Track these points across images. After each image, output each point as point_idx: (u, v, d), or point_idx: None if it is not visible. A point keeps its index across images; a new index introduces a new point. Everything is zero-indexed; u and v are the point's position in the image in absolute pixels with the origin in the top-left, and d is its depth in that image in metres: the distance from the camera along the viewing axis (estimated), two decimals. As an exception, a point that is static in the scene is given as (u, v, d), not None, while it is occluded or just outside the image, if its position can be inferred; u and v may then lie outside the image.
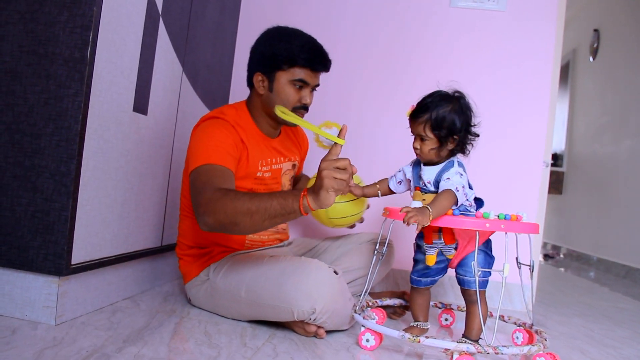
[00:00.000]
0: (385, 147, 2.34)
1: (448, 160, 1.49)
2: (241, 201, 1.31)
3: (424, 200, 1.48)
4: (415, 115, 1.49)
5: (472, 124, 1.49)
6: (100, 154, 1.44)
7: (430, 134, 1.46)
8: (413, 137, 1.51)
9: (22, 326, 1.29)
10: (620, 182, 4.22)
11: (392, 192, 1.62)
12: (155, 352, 1.23)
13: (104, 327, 1.37)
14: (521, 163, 2.29)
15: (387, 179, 1.63)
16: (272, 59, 1.60)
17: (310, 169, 2.10)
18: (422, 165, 1.52)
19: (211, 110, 2.20)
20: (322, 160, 1.28)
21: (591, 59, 5.01)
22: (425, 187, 1.50)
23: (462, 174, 1.45)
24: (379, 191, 1.62)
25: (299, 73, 1.60)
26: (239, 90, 2.42)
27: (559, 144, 5.64)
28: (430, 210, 1.34)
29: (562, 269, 4.32)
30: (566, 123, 5.56)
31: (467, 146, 1.50)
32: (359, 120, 2.36)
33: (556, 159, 5.61)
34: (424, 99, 1.49)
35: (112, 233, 1.54)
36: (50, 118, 1.35)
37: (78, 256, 1.38)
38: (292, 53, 1.58)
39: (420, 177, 1.52)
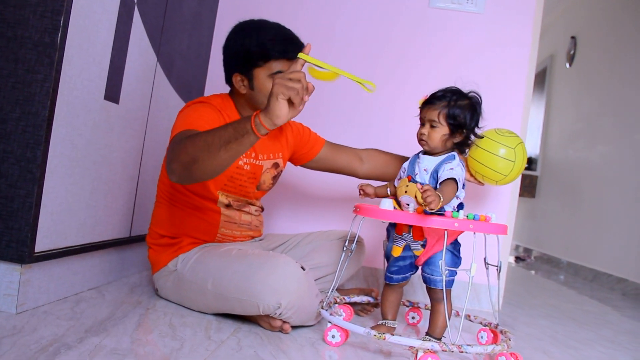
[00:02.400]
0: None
1: (450, 153, 1.53)
2: (199, 136, 1.30)
3: (407, 188, 1.51)
4: (431, 102, 1.53)
5: (479, 126, 1.56)
6: (69, 141, 1.42)
7: (443, 122, 1.51)
8: (420, 125, 1.56)
9: (-19, 314, 1.27)
10: (592, 188, 4.29)
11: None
12: (117, 342, 1.22)
13: (66, 316, 1.35)
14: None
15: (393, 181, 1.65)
16: (246, 58, 1.59)
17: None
18: (420, 155, 1.56)
19: (185, 101, 2.19)
20: (276, 74, 1.24)
21: (567, 65, 5.08)
22: (417, 177, 1.53)
23: (462, 168, 1.50)
24: (388, 189, 1.64)
25: (276, 66, 1.59)
26: (215, 82, 2.40)
27: (533, 149, 5.72)
28: (442, 199, 1.36)
29: (532, 272, 4.38)
30: (541, 128, 5.63)
31: (468, 145, 1.58)
32: (338, 121, 2.36)
33: (530, 163, 5.69)
34: (442, 90, 1.56)
35: (78, 222, 1.52)
36: (17, 103, 1.32)
37: (42, 244, 1.36)
38: (264, 48, 1.57)
39: (415, 167, 1.55)
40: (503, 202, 2.30)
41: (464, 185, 1.53)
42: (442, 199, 1.36)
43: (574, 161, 4.72)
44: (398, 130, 2.30)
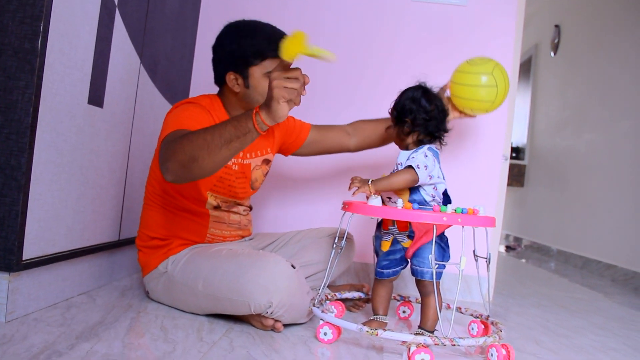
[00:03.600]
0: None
1: (420, 146, 1.56)
2: (196, 134, 1.31)
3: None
4: None
5: (430, 112, 1.56)
6: (53, 148, 1.41)
7: (390, 115, 1.62)
8: None
9: (-30, 324, 1.26)
10: (580, 175, 4.32)
11: None
12: (109, 347, 1.21)
13: (56, 323, 1.35)
14: (481, 157, 2.32)
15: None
16: (241, 58, 1.60)
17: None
18: (400, 151, 1.61)
19: (171, 102, 2.18)
20: (272, 71, 1.26)
21: (552, 54, 5.11)
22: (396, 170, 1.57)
23: (427, 156, 1.51)
24: None
25: (272, 64, 1.60)
26: (199, 83, 2.39)
27: (520, 138, 5.75)
28: (369, 182, 1.49)
29: (523, 260, 4.41)
30: (528, 117, 5.66)
31: (431, 133, 1.57)
32: (326, 117, 2.36)
33: (518, 152, 5.72)
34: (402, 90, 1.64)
35: (66, 227, 1.51)
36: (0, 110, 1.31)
37: (30, 251, 1.35)
38: (260, 48, 1.58)
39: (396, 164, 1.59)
40: (491, 193, 2.31)
41: (443, 177, 1.54)
42: (369, 183, 1.48)
43: (562, 149, 4.75)
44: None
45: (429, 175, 1.48)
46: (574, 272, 3.85)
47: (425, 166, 1.47)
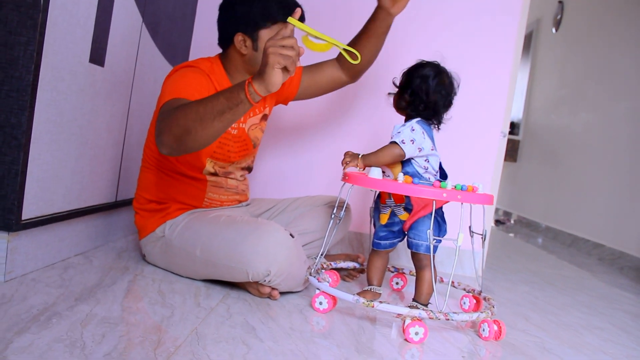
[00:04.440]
0: (362, 121, 2.34)
1: (410, 119, 1.56)
2: (189, 107, 1.30)
3: None
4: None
5: (431, 94, 1.54)
6: (54, 106, 1.39)
7: (397, 84, 1.61)
8: None
9: (-32, 281, 1.26)
10: (574, 154, 4.34)
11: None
12: (108, 310, 1.22)
13: (55, 284, 1.35)
14: (480, 132, 2.32)
15: None
16: (252, 20, 1.58)
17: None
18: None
19: (172, 62, 2.15)
20: (268, 40, 1.23)
21: (554, 30, 5.07)
22: None
23: (414, 129, 1.51)
24: None
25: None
26: (200, 43, 2.35)
27: (516, 113, 5.74)
28: (359, 156, 1.52)
29: (511, 235, 4.47)
30: (525, 92, 5.65)
31: (425, 113, 1.55)
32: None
33: (513, 127, 5.72)
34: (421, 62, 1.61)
35: (65, 188, 1.50)
36: (0, 66, 1.28)
37: (29, 211, 1.34)
38: (272, 11, 1.58)
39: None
40: (487, 169, 2.31)
41: (434, 148, 1.55)
42: (359, 158, 1.51)
43: (557, 127, 4.76)
44: (385, 99, 2.29)
45: (418, 148, 1.49)
46: (562, 249, 3.91)
47: (411, 140, 1.48)
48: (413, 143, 1.48)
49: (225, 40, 1.66)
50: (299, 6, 1.60)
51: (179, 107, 1.32)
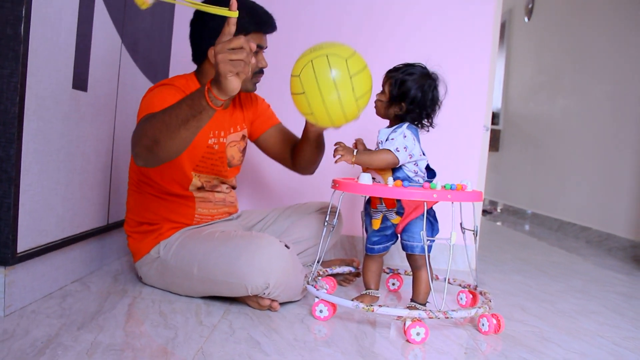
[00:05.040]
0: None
1: (400, 123, 1.56)
2: (156, 117, 1.30)
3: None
4: (388, 71, 1.59)
5: (428, 107, 1.55)
6: (41, 136, 1.38)
7: (386, 90, 1.57)
8: None
9: (-32, 318, 1.26)
10: (555, 140, 4.40)
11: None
12: (112, 337, 1.22)
13: (55, 314, 1.35)
14: (462, 126, 2.35)
15: None
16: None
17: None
18: (380, 129, 1.61)
19: (152, 80, 2.15)
20: (216, 43, 1.18)
21: (526, 19, 5.13)
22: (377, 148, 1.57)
23: (406, 136, 1.51)
24: None
25: (255, 39, 1.59)
26: (179, 58, 2.35)
27: (495, 102, 5.80)
28: (355, 153, 1.50)
29: (499, 223, 4.52)
30: (502, 82, 5.71)
31: (418, 120, 1.56)
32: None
33: (493, 117, 5.77)
34: (408, 63, 1.59)
35: (57, 216, 1.50)
36: (-16, 100, 1.28)
37: (23, 244, 1.34)
38: (243, 23, 1.55)
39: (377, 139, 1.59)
40: (473, 163, 2.35)
41: (423, 152, 1.56)
42: (354, 154, 1.49)
43: (536, 114, 4.82)
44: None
45: (410, 154, 1.50)
46: (550, 234, 3.96)
47: (404, 147, 1.49)
48: (406, 150, 1.49)
49: (198, 55, 1.66)
50: (269, 17, 1.62)
51: (147, 119, 1.33)
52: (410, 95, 1.53)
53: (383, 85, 1.58)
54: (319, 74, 1.39)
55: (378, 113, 1.61)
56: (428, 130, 1.61)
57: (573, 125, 4.10)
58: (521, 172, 5.06)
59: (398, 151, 1.49)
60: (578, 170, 3.96)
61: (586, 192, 3.81)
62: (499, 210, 5.43)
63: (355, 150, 1.53)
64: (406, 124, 1.55)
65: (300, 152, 1.79)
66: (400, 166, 1.53)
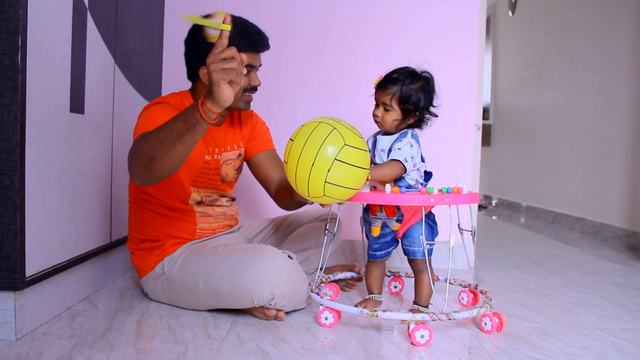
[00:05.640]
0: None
1: (403, 131, 1.57)
2: (152, 134, 1.32)
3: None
4: (384, 86, 1.55)
5: (434, 105, 1.58)
6: (43, 162, 1.41)
7: (395, 106, 1.54)
8: (375, 105, 1.58)
9: (-19, 345, 1.28)
10: (545, 132, 4.45)
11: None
12: (124, 356, 1.25)
13: (66, 335, 1.37)
14: (454, 126, 2.38)
15: None
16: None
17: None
18: (379, 135, 1.60)
19: (146, 98, 2.17)
20: (209, 56, 1.21)
21: (510, 13, 5.18)
22: (377, 158, 1.58)
23: (412, 145, 1.53)
24: None
25: (244, 59, 1.59)
26: (171, 75, 2.38)
27: (485, 98, 5.85)
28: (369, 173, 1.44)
29: (494, 217, 4.56)
30: (490, 77, 5.76)
31: (424, 123, 1.59)
32: (289, 95, 2.38)
33: (483, 112, 5.81)
34: (395, 72, 1.56)
35: (62, 238, 1.52)
36: (-15, 130, 1.30)
37: (31, 268, 1.36)
38: (235, 41, 1.56)
39: (375, 146, 1.59)
40: (466, 162, 2.38)
41: (423, 159, 1.58)
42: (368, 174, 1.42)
43: (525, 108, 4.87)
44: (350, 95, 2.34)
45: (414, 164, 1.52)
46: (546, 226, 4.01)
47: (412, 157, 1.51)
48: (412, 160, 1.51)
49: (192, 73, 1.69)
50: (261, 35, 1.63)
51: (143, 137, 1.35)
52: (421, 105, 1.54)
53: (388, 102, 1.53)
54: (314, 135, 1.38)
55: (386, 129, 1.57)
56: (423, 128, 1.62)
57: (562, 117, 4.15)
58: (514, 166, 5.11)
59: (407, 161, 1.50)
60: (570, 161, 4.01)
61: (579, 183, 3.85)
62: (493, 205, 5.48)
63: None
64: (410, 132, 1.55)
65: (284, 197, 1.74)
66: (403, 176, 1.55)
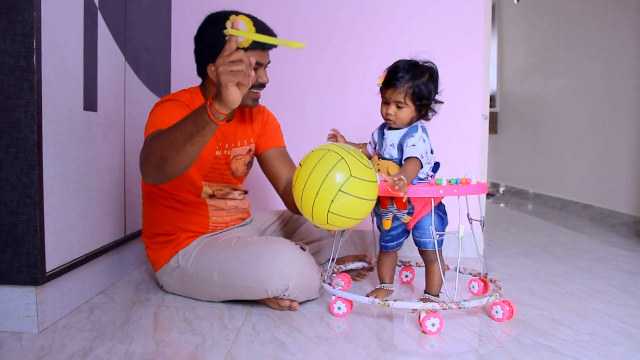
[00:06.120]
0: (341, 114, 2.41)
1: (412, 125, 1.57)
2: (162, 135, 1.34)
3: (378, 167, 1.57)
4: (393, 85, 1.53)
5: (438, 92, 1.58)
6: (59, 159, 1.44)
7: (409, 102, 1.53)
8: (382, 103, 1.58)
9: (5, 338, 1.32)
10: (551, 119, 4.45)
11: (370, 157, 1.66)
12: (143, 347, 1.29)
13: (86, 327, 1.41)
14: (461, 116, 2.40)
15: (366, 143, 1.70)
16: (221, 48, 1.60)
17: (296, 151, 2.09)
18: (385, 129, 1.60)
19: (156, 93, 2.20)
20: (217, 58, 1.23)
21: (515, 0, 5.16)
22: (385, 152, 1.58)
23: (425, 140, 1.54)
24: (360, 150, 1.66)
25: (251, 55, 1.61)
26: (179, 71, 2.40)
27: (491, 85, 5.84)
28: (406, 181, 1.40)
29: (502, 205, 4.57)
30: (496, 64, 5.75)
31: (433, 112, 1.59)
32: (294, 92, 2.40)
33: (490, 99, 5.81)
34: (400, 68, 1.54)
35: (79, 234, 1.56)
36: (3, 130, 1.33)
37: (51, 263, 1.40)
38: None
39: (382, 142, 1.59)
40: (474, 151, 2.40)
41: (432, 151, 1.59)
42: (405, 182, 1.39)
43: (531, 95, 4.86)
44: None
45: (428, 159, 1.54)
46: (553, 213, 4.02)
47: (426, 152, 1.52)
48: (427, 155, 1.52)
49: (201, 70, 1.71)
50: (269, 32, 1.63)
51: (154, 137, 1.38)
52: (432, 97, 1.55)
53: (402, 100, 1.52)
54: (321, 163, 1.38)
55: (400, 125, 1.57)
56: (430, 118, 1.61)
57: (569, 104, 4.15)
58: (521, 153, 5.12)
59: (422, 157, 1.51)
60: (577, 148, 4.01)
61: (586, 170, 3.86)
62: (501, 192, 5.49)
63: (403, 177, 1.40)
64: (419, 126, 1.56)
65: (292, 201, 1.72)
66: None
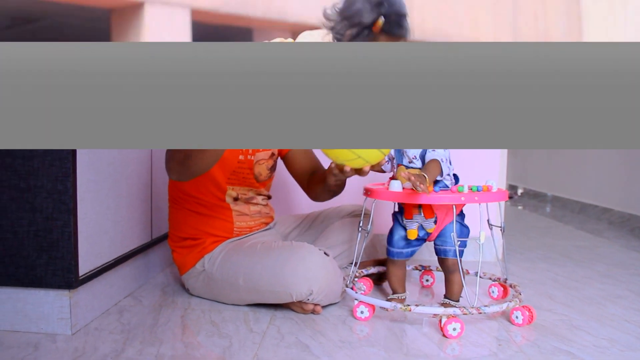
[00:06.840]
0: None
1: None
2: None
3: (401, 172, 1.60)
4: None
5: None
6: (92, 167, 1.49)
7: None
8: None
9: (41, 340, 1.37)
10: (570, 122, 4.44)
11: (382, 171, 1.67)
12: (173, 349, 1.33)
13: (117, 330, 1.46)
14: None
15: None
16: None
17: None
18: None
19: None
20: None
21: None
22: (409, 165, 1.59)
23: (444, 150, 1.56)
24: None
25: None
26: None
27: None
28: (427, 177, 1.43)
29: (520, 207, 4.58)
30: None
31: None
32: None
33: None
34: None
35: (109, 239, 1.61)
36: (40, 139, 1.39)
37: (84, 267, 1.45)
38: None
39: (403, 155, 1.61)
40: (494, 158, 2.42)
41: (450, 162, 1.62)
42: (427, 177, 1.43)
43: (550, 97, 4.85)
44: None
45: (448, 167, 1.57)
46: (572, 217, 4.02)
47: (446, 159, 1.55)
48: (447, 161, 1.55)
49: None
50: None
51: None
52: None
53: None
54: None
55: None
56: None
57: (589, 108, 4.13)
58: (539, 155, 5.11)
59: (443, 161, 1.53)
60: (596, 150, 4.00)
61: (606, 173, 3.85)
62: (519, 194, 5.48)
63: (425, 175, 1.44)
64: None
65: (316, 188, 1.84)
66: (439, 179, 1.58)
